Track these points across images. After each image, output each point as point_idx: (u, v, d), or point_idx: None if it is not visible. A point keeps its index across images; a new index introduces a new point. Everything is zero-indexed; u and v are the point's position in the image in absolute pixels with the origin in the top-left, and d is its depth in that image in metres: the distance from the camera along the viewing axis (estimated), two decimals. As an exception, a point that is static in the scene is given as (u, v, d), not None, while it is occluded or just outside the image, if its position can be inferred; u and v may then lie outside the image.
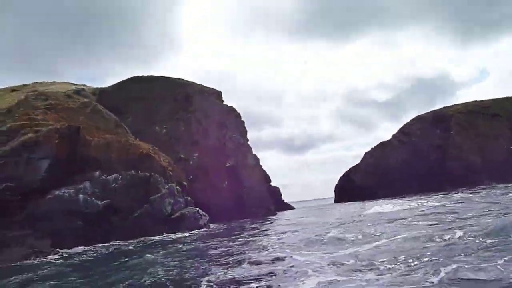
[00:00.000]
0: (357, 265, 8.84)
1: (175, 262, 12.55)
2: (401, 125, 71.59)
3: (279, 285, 7.94)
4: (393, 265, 8.27)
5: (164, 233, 24.28)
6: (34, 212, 20.98)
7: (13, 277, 12.41)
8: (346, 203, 59.53)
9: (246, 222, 34.06)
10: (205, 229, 27.00)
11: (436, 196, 33.95)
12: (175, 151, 45.91)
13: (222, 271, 10.06)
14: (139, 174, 25.14)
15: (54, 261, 16.90)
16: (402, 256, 9.03)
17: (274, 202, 52.48)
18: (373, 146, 71.92)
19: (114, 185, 23.95)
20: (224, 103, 52.78)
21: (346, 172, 74.78)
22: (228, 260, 12.12)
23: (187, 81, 54.97)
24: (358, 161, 72.64)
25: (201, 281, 8.97)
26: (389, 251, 10.01)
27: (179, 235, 23.73)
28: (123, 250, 17.99)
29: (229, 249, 14.89)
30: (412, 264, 8.13)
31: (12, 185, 21.66)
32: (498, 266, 6.88)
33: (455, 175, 58.92)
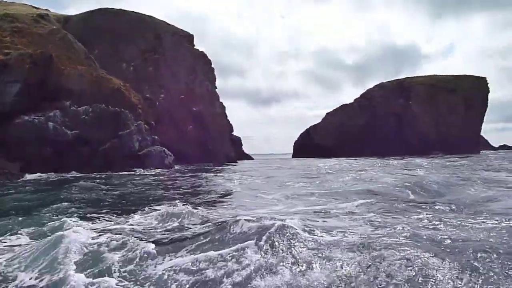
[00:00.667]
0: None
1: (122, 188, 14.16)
2: (364, 90, 74.74)
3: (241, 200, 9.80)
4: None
5: (130, 169, 25.59)
6: (4, 135, 21.48)
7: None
8: (303, 158, 62.78)
9: (209, 165, 35.96)
10: (169, 168, 28.57)
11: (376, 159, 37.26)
12: (141, 90, 46.01)
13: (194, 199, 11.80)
14: (110, 109, 25.84)
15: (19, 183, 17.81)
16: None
17: (234, 151, 54.65)
18: (335, 108, 75.05)
19: (84, 116, 24.61)
20: (195, 47, 52.58)
21: (306, 129, 77.95)
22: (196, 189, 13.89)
23: (159, 19, 53.82)
24: (319, 120, 75.73)
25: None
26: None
27: (143, 172, 25.20)
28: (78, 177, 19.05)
29: (197, 182, 16.68)
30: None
31: (-20, 105, 21.84)
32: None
33: (409, 143, 63.53)
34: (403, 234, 4.91)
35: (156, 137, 29.77)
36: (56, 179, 19.30)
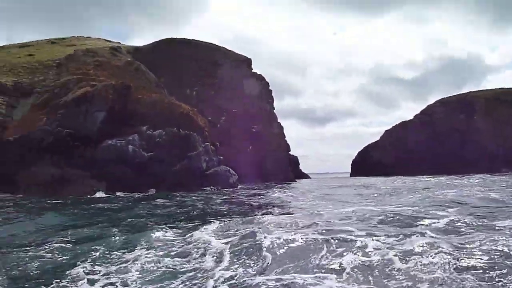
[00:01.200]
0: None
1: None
2: (424, 106, 72.74)
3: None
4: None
5: (198, 187, 27.38)
6: (91, 157, 24.21)
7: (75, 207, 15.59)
8: (362, 177, 61.97)
9: (271, 184, 37.13)
10: (234, 187, 30.08)
11: (441, 177, 36.17)
12: (203, 114, 48.74)
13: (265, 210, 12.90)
14: (180, 132, 28.05)
15: (105, 198, 20.10)
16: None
17: (292, 170, 55.52)
18: (394, 125, 73.63)
19: (159, 139, 26.96)
20: (253, 70, 54.87)
21: (364, 148, 77.04)
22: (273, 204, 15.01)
23: (218, 46, 57.01)
24: (376, 138, 74.63)
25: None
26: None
27: (211, 190, 26.90)
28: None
29: (266, 199, 17.82)
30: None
31: (72, 132, 24.87)
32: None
33: (473, 161, 60.54)
34: None
35: (221, 157, 31.56)
36: (138, 196, 21.40)
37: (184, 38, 57.30)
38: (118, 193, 22.52)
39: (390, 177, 50.62)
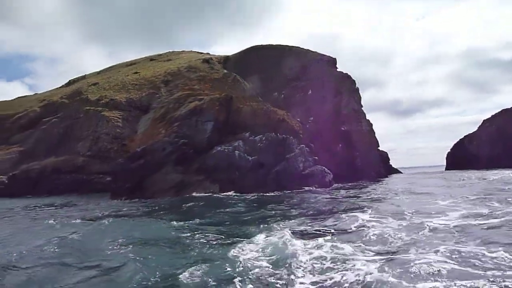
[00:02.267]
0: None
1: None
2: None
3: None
4: None
5: (297, 187, 29.48)
6: (204, 163, 27.69)
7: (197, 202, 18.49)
8: (458, 171, 59.05)
9: (365, 182, 37.98)
10: (329, 186, 31.67)
11: None
12: (292, 115, 50.90)
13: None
14: (278, 136, 30.48)
15: (222, 197, 23.04)
16: None
17: (382, 167, 55.15)
18: (493, 113, 68.72)
19: (260, 144, 29.67)
20: (338, 70, 55.61)
21: (460, 139, 72.95)
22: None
23: (303, 48, 58.78)
24: (473, 127, 70.22)
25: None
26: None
27: (309, 189, 28.84)
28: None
29: (369, 196, 19.25)
30: None
31: (187, 141, 28.63)
32: None
33: None
34: None
35: (316, 157, 33.35)
36: (253, 197, 24.19)
37: (271, 44, 60.01)
38: (231, 193, 25.53)
39: (492, 170, 47.81)
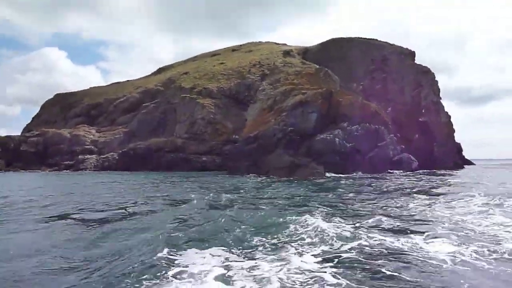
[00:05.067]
0: None
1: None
2: None
3: None
4: None
5: (388, 171, 34.40)
6: (311, 147, 33.44)
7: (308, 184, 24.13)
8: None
9: (446, 171, 41.91)
10: (415, 171, 36.21)
11: None
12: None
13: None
14: (371, 126, 35.43)
15: (326, 178, 28.58)
16: None
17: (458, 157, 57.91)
18: None
19: (356, 133, 34.82)
20: (417, 63, 58.64)
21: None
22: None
23: (382, 41, 62.23)
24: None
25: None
26: None
27: (400, 173, 33.65)
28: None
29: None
30: None
31: (294, 129, 34.49)
32: None
33: None
34: None
35: (403, 146, 37.91)
36: (345, 176, 29.66)
37: (350, 37, 64.07)
38: (328, 174, 31.14)
39: None
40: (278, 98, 37.48)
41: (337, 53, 61.60)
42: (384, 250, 6.70)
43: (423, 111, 53.56)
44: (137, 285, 5.01)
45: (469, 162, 70.44)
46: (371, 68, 58.49)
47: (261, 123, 36.58)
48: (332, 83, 42.21)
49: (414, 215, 10.69)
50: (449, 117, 56.17)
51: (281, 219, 9.70)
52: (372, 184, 22.08)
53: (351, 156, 33.96)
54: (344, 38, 64.17)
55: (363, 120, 35.55)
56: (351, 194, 16.58)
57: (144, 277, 5.28)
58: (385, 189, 19.10)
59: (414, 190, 18.18)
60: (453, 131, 58.13)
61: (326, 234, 7.75)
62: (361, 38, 63.40)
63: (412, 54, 59.02)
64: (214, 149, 57.77)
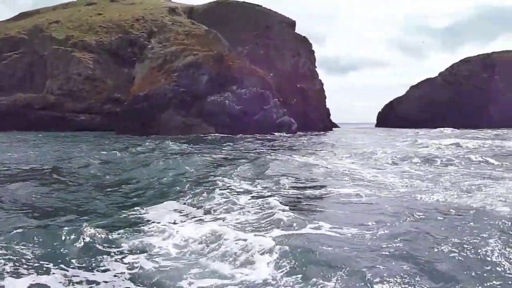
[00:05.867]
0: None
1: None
2: (455, 57, 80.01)
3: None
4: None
5: (272, 133, 37.64)
6: (202, 108, 34.53)
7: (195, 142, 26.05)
8: (386, 128, 71.19)
9: (318, 132, 47.31)
10: (294, 133, 40.29)
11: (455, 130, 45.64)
12: (254, 70, 58.04)
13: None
14: (258, 90, 37.92)
15: (213, 137, 30.44)
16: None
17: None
18: (421, 78, 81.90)
19: (244, 96, 36.94)
20: (297, 32, 63.06)
21: (390, 101, 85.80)
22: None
23: (266, 8, 64.82)
24: (403, 89, 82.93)
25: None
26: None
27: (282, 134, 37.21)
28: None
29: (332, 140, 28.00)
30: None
31: (186, 89, 35.02)
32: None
33: (492, 119, 68.81)
34: None
35: (285, 110, 41.52)
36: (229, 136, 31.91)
37: (236, 1, 64.97)
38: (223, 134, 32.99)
39: (411, 129, 60.08)
40: (168, 57, 37.16)
41: (223, 15, 62.14)
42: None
43: (301, 78, 58.58)
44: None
45: (336, 126, 79.83)
46: (254, 34, 60.91)
47: (151, 82, 36.05)
48: (222, 46, 43.23)
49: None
50: (322, 84, 62.51)
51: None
52: (266, 143, 24.46)
53: (240, 118, 36.10)
54: (231, 1, 64.86)
55: (251, 84, 37.74)
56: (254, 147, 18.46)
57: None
58: (285, 145, 21.54)
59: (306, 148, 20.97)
60: (325, 97, 65.14)
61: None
62: (247, 3, 64.91)
63: (293, 23, 63.12)
64: (93, 108, 54.50)
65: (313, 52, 62.11)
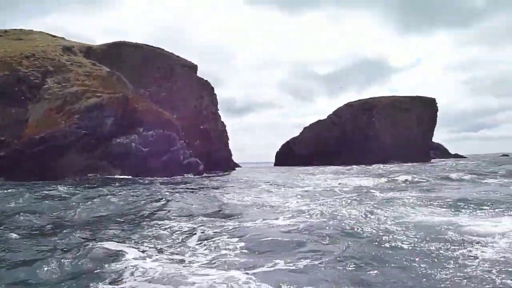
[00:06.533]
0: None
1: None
2: (339, 100, 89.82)
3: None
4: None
5: (179, 174, 38.07)
6: (106, 150, 33.72)
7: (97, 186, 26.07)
8: (285, 166, 76.13)
9: (222, 172, 48.78)
10: (201, 174, 41.21)
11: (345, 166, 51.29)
12: (157, 112, 58.18)
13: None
14: (164, 133, 38.36)
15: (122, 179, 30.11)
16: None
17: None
18: (310, 119, 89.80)
19: (151, 138, 37.02)
20: (199, 76, 65.31)
21: (287, 141, 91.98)
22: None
23: (169, 52, 66.26)
24: (296, 129, 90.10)
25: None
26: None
27: (191, 176, 37.84)
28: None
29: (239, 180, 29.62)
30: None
31: (89, 132, 34.00)
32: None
33: (373, 154, 78.26)
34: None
35: (191, 151, 42.37)
36: (141, 180, 31.80)
37: (136, 43, 65.38)
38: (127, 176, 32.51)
39: (308, 166, 65.35)
40: (68, 98, 35.76)
41: (123, 57, 61.87)
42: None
43: (204, 119, 60.28)
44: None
45: (238, 165, 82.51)
46: (157, 76, 61.58)
47: (49, 124, 34.15)
48: (126, 88, 43.00)
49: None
50: (225, 126, 65.03)
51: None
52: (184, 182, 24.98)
53: (147, 159, 35.95)
54: (131, 43, 65.00)
55: (157, 126, 38.08)
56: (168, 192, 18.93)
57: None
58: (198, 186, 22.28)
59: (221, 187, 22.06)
60: (228, 138, 67.66)
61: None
62: (148, 45, 65.64)
63: (194, 67, 65.37)
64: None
65: (215, 94, 64.72)
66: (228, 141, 66.85)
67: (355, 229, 8.28)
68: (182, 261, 6.30)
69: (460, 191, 17.68)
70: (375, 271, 5.49)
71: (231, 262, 6.13)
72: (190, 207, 13.12)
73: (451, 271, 5.39)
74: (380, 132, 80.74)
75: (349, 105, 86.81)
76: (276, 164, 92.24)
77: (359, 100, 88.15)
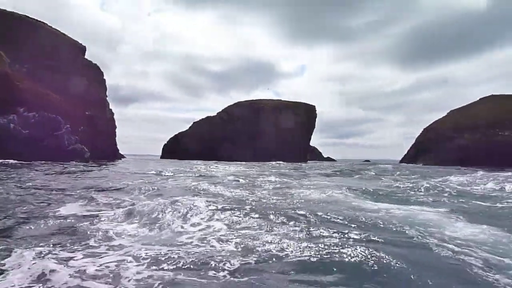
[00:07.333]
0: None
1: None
2: (228, 98, 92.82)
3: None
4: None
5: (62, 161, 36.25)
6: (-21, 130, 30.58)
7: None
8: (172, 160, 76.29)
9: (111, 161, 47.32)
10: (87, 162, 39.68)
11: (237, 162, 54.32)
12: (36, 92, 53.46)
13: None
14: (49, 115, 36.08)
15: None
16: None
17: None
18: (200, 115, 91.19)
19: (32, 120, 34.53)
20: (85, 57, 61.61)
21: (175, 135, 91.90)
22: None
23: (53, 28, 61.00)
24: (184, 123, 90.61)
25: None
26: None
27: (75, 163, 36.27)
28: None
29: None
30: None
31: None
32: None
33: (258, 152, 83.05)
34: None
35: (77, 137, 40.47)
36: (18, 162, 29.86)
37: (21, 15, 58.78)
38: (12, 161, 30.16)
39: (195, 160, 66.83)
40: None
41: (1, 27, 55.43)
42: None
43: (90, 105, 57.23)
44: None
45: (123, 156, 79.76)
46: (37, 53, 56.42)
47: None
48: (2, 62, 39.03)
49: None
50: (113, 114, 62.66)
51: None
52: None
53: (27, 142, 33.49)
54: (13, 12, 58.25)
55: (40, 107, 35.65)
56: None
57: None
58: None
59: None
60: (115, 126, 65.15)
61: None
62: (31, 18, 59.62)
63: (83, 48, 61.59)
64: None
65: (104, 80, 61.89)
66: (115, 130, 64.60)
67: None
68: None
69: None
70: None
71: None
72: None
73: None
74: (265, 133, 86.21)
75: (238, 105, 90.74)
76: (163, 156, 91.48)
77: (248, 100, 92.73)
